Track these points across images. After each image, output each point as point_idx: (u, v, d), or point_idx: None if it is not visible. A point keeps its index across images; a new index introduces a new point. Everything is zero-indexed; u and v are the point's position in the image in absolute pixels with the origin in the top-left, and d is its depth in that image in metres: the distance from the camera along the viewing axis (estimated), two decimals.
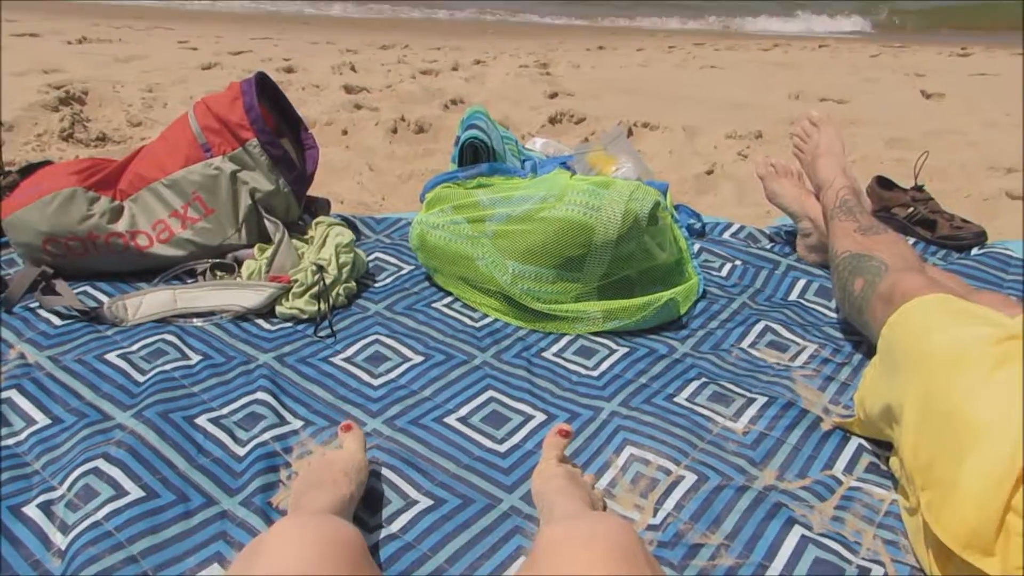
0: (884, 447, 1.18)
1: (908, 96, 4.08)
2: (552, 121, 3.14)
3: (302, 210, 1.77)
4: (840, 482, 1.13)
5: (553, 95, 3.63)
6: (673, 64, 5.09)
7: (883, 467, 1.15)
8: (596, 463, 1.16)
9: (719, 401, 1.29)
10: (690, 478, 1.12)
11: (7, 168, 1.86)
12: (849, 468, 1.15)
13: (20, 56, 3.95)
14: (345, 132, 2.81)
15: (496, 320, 1.53)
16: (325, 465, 1.03)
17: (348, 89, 3.53)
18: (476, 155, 1.72)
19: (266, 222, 1.63)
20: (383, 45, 5.37)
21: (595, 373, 1.37)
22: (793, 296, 1.65)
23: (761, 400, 1.28)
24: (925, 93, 4.15)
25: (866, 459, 1.17)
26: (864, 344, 1.45)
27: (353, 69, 4.11)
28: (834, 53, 5.95)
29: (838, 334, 1.51)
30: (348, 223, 1.89)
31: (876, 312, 1.27)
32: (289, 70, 3.97)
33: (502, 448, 1.19)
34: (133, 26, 5.91)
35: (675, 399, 1.30)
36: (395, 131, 2.82)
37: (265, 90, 1.72)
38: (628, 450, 1.17)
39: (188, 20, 6.74)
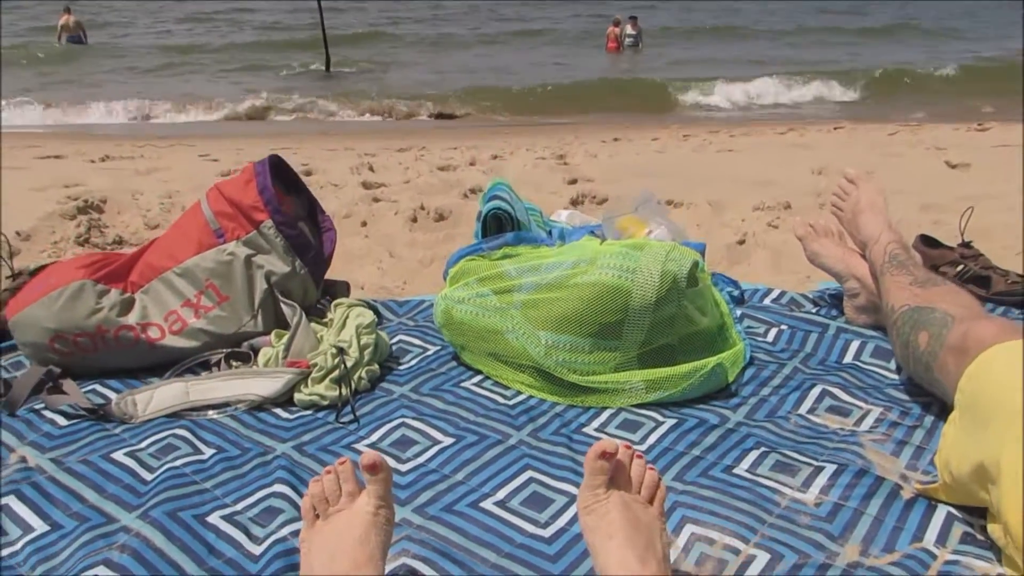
0: (977, 514, 1.04)
1: (934, 167, 4.01)
2: (574, 203, 3.07)
3: (320, 293, 1.68)
4: (935, 555, 0.99)
5: (573, 181, 3.58)
6: (690, 149, 5.07)
7: (980, 537, 1.02)
8: None
9: (784, 471, 1.16)
10: (763, 557, 0.98)
11: (19, 271, 1.80)
12: (942, 539, 1.02)
13: (42, 174, 3.98)
14: (364, 223, 2.75)
15: (530, 397, 1.42)
16: (336, 536, 0.88)
17: (366, 185, 3.49)
18: (500, 227, 1.64)
19: (283, 306, 1.54)
20: (400, 148, 5.40)
21: (643, 447, 1.25)
22: (848, 359, 1.53)
23: (830, 468, 1.15)
24: (950, 164, 4.09)
25: (959, 528, 1.03)
26: (935, 404, 1.32)
27: (371, 169, 4.10)
28: (850, 134, 5.91)
29: (903, 395, 1.38)
30: (370, 306, 1.79)
31: (948, 365, 1.18)
32: (307, 173, 3.95)
33: (546, 533, 1.06)
34: (156, 145, 6.02)
35: (734, 471, 1.17)
36: (415, 220, 2.76)
37: (280, 173, 1.67)
38: (688, 529, 1.04)
39: (209, 138, 6.84)
